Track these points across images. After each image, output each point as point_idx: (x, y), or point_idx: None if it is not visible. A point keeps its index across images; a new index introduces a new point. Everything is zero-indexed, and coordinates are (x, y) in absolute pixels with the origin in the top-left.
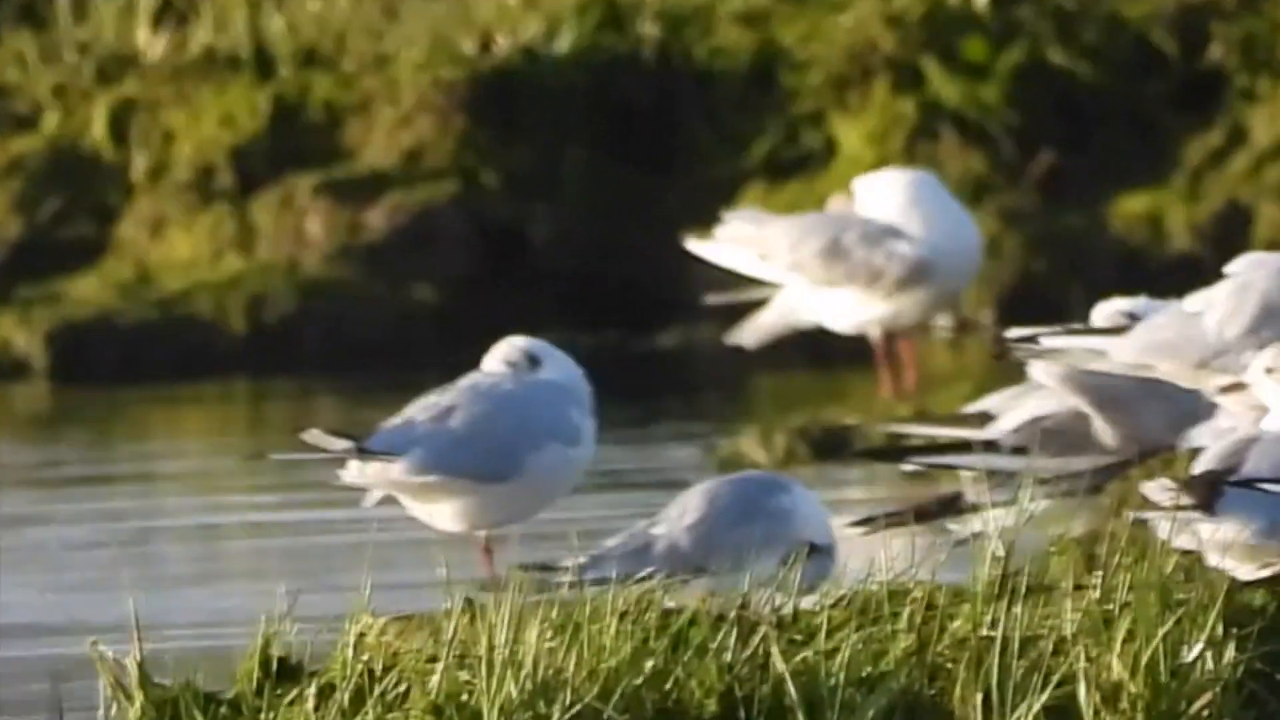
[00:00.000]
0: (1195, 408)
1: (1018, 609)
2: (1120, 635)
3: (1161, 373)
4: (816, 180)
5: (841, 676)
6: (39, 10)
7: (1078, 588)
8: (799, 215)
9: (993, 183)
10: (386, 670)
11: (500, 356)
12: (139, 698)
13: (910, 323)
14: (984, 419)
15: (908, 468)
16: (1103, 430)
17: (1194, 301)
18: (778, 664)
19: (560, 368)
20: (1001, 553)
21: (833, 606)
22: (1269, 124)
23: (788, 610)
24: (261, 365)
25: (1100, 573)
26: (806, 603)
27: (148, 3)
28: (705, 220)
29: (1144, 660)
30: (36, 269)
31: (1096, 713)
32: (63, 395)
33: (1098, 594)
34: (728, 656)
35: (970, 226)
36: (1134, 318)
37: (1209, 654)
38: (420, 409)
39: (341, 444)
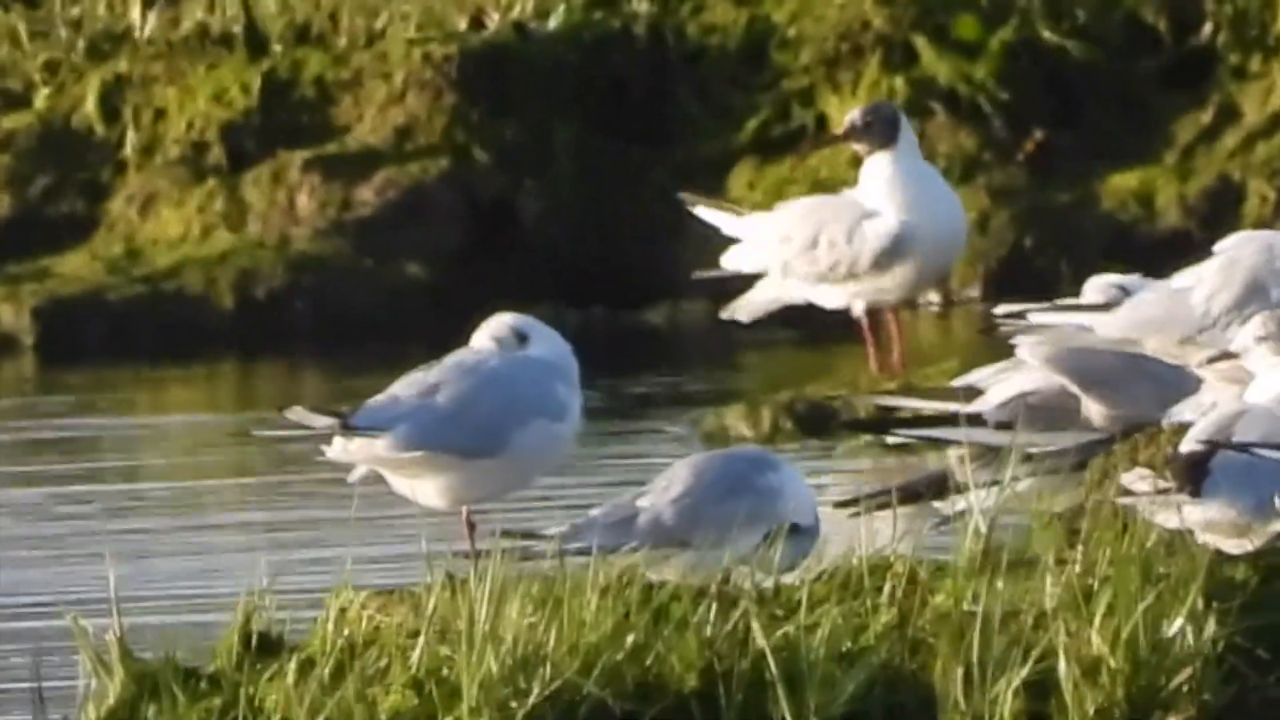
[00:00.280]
0: (1180, 384)
1: (999, 584)
2: (1101, 610)
3: (1149, 348)
4: (807, 157)
5: (822, 651)
6: None
7: (1059, 562)
8: (784, 207)
9: (984, 160)
10: (367, 645)
11: (489, 333)
12: (119, 672)
13: (897, 298)
14: (970, 393)
15: (892, 441)
16: (1088, 407)
17: (1182, 278)
18: (758, 639)
19: (549, 344)
20: (983, 528)
21: (814, 581)
22: (1259, 102)
23: (768, 585)
24: (251, 341)
25: (1081, 547)
26: (787, 579)
27: None
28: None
29: (1124, 635)
30: (26, 245)
31: (1076, 687)
32: (51, 371)
33: (1079, 569)
34: (708, 631)
35: (950, 200)
36: (1126, 291)
37: (1189, 628)
38: (406, 385)
39: (325, 421)
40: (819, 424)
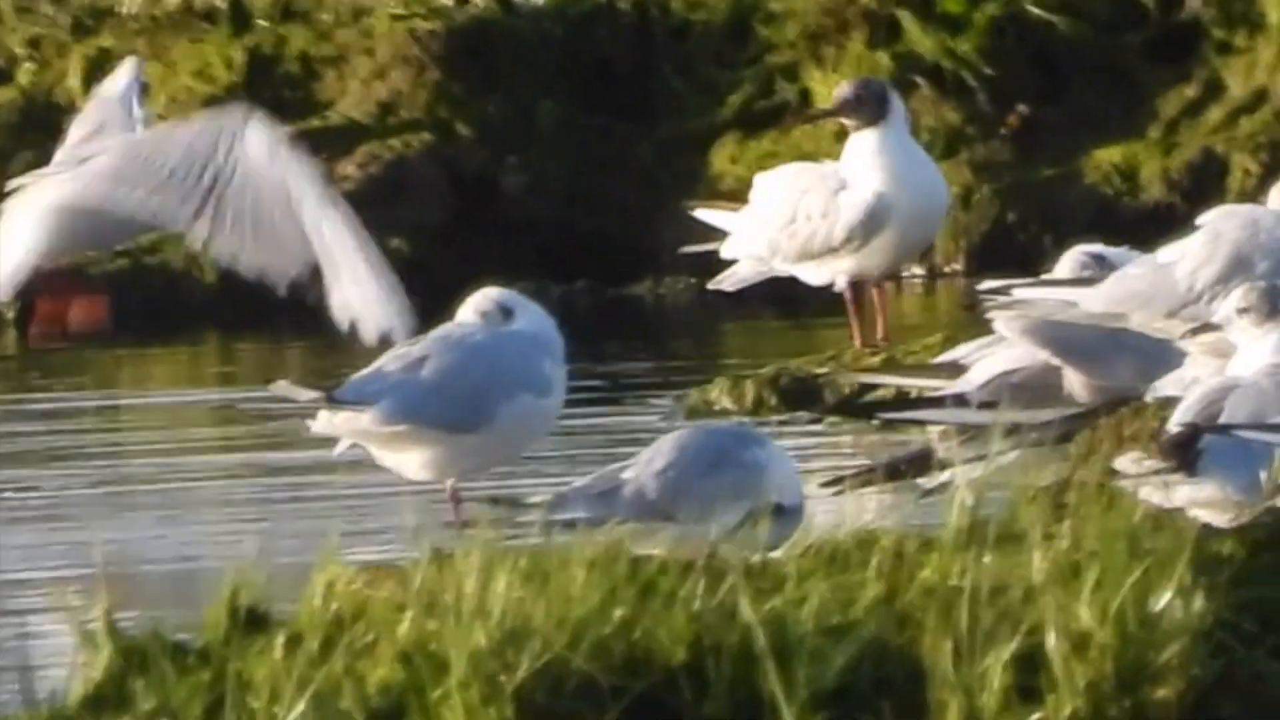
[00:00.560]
0: (1162, 356)
1: (987, 558)
2: (1089, 584)
3: (1133, 323)
4: (791, 132)
5: (810, 625)
6: None
7: (1046, 537)
8: (764, 178)
9: (967, 134)
10: (355, 619)
11: (473, 307)
12: (106, 646)
13: (879, 271)
14: (954, 369)
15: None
16: (1070, 379)
17: (1167, 252)
18: (746, 613)
19: (533, 319)
20: (971, 502)
21: (801, 555)
22: (1244, 76)
23: (756, 559)
24: (233, 316)
25: (1069, 521)
26: (773, 555)
27: None
28: (679, 172)
29: (1112, 609)
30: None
31: (1065, 661)
32: (32, 345)
33: (1066, 543)
34: (696, 605)
35: (930, 171)
36: (1100, 259)
37: (1178, 603)
38: (391, 359)
39: (311, 394)
40: (803, 399)
